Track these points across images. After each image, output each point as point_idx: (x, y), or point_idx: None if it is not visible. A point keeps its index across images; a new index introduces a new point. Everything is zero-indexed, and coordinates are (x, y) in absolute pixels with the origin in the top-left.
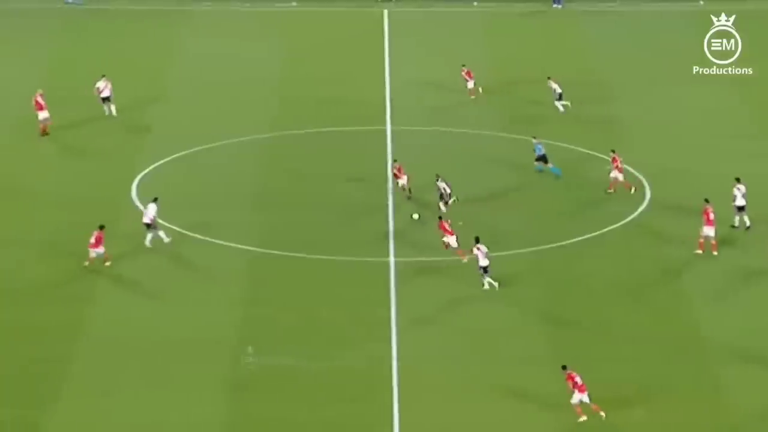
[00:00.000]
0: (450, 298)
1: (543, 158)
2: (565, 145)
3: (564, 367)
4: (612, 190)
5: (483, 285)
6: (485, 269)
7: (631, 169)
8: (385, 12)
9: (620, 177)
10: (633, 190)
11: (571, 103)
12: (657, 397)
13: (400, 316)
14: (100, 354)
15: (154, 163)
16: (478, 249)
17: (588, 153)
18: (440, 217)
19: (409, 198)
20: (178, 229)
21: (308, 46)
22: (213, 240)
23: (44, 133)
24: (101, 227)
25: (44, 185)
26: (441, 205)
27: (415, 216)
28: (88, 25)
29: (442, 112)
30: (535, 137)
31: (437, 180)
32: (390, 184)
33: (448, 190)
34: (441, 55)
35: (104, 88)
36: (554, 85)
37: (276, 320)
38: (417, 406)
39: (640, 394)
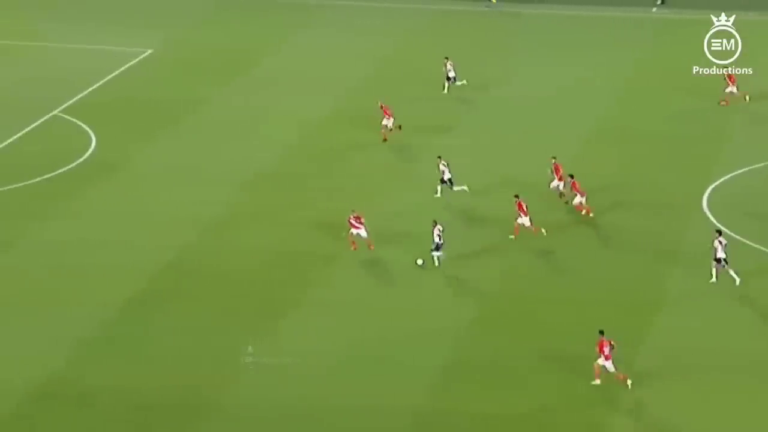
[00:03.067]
0: None
1: None
2: None
3: (601, 332)
4: None
5: (713, 277)
6: (721, 261)
7: None
8: None
9: None
10: None
11: None
12: None
13: None
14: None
15: (729, 173)
16: (720, 242)
17: None
18: (516, 196)
19: (565, 202)
20: (747, 242)
21: None
22: None
23: (384, 138)
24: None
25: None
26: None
27: (419, 262)
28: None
29: None
30: None
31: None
32: None
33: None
34: None
35: (450, 69)
36: None
37: None
38: None
39: None
